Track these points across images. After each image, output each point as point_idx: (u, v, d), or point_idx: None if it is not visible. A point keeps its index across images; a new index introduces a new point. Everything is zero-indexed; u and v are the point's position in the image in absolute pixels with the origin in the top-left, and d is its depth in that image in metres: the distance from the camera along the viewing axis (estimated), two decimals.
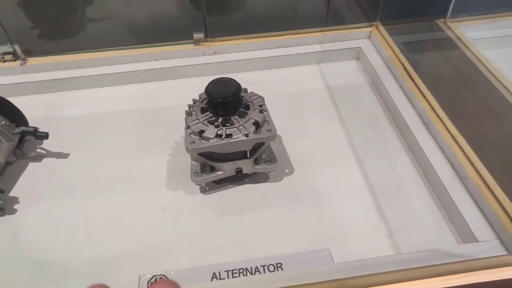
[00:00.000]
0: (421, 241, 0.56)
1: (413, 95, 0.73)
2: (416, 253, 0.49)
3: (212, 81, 0.60)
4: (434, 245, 0.53)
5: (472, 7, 0.89)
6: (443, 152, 0.63)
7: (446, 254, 0.48)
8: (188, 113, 0.62)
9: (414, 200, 0.61)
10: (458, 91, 0.77)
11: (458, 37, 0.83)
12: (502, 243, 0.51)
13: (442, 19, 0.87)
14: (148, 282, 0.52)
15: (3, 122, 0.66)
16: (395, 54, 0.84)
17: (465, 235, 0.54)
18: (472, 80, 0.77)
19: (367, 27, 0.93)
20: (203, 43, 0.89)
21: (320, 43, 0.91)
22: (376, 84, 0.83)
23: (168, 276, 0.53)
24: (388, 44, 0.87)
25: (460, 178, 0.59)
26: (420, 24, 0.92)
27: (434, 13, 0.89)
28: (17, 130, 0.67)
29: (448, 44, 0.84)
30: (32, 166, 0.71)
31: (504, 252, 0.49)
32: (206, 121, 0.60)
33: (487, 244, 0.50)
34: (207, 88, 0.59)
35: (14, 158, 0.70)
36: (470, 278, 0.44)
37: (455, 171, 0.60)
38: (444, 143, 0.63)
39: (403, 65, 0.80)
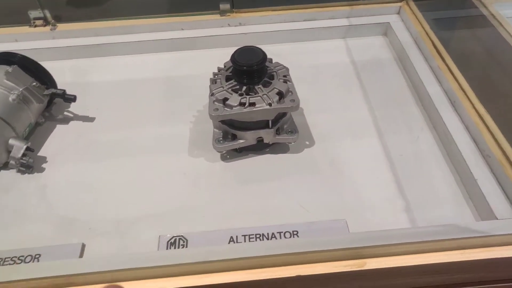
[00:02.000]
0: (439, 217, 0.55)
1: (441, 73, 0.72)
2: (433, 227, 0.49)
3: (238, 49, 0.60)
4: (452, 222, 0.53)
5: None
6: (468, 130, 0.62)
7: (464, 229, 0.47)
8: (213, 81, 0.63)
9: (434, 176, 0.61)
10: (490, 70, 0.75)
11: (492, 15, 0.80)
12: None
13: None
14: (167, 242, 0.54)
15: (34, 83, 0.68)
16: (425, 30, 0.81)
17: (484, 212, 0.53)
18: (506, 60, 0.75)
19: (396, 2, 0.90)
20: (229, 14, 0.89)
21: (348, 17, 0.89)
22: (403, 61, 0.81)
23: (187, 238, 0.54)
24: (418, 20, 0.85)
25: (483, 156, 0.58)
26: (453, 0, 0.88)
27: None
28: (46, 91, 0.69)
29: (481, 21, 0.81)
30: (59, 128, 0.73)
31: None
32: (230, 89, 0.60)
33: (506, 221, 0.49)
34: (232, 56, 0.60)
35: (43, 120, 0.73)
36: (488, 253, 0.44)
37: (479, 148, 0.59)
38: (470, 120, 0.62)
39: (432, 42, 0.78)
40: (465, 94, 0.66)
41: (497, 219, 0.50)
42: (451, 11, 0.89)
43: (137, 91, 0.80)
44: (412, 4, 0.88)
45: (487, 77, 0.73)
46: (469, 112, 0.62)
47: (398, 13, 0.90)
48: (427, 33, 0.80)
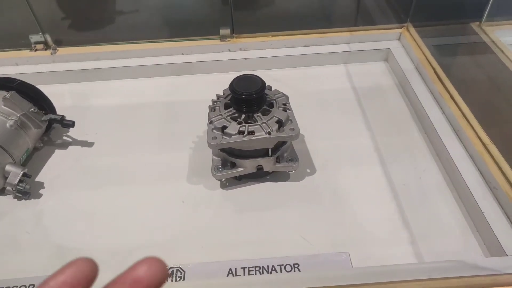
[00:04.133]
0: (446, 251, 0.54)
1: (442, 100, 0.71)
2: (439, 263, 0.47)
3: (236, 77, 0.60)
4: (459, 257, 0.52)
5: (510, 10, 0.85)
6: (473, 160, 0.61)
7: (472, 266, 0.46)
8: (212, 108, 0.62)
9: (440, 208, 0.59)
10: (491, 97, 0.74)
11: (493, 42, 0.80)
12: None
13: (477, 23, 0.84)
14: None
15: (32, 109, 0.67)
16: (426, 57, 0.81)
17: (493, 247, 0.51)
18: (507, 87, 0.74)
19: (397, 28, 0.90)
20: (229, 39, 0.89)
21: (348, 43, 0.89)
22: (404, 87, 0.81)
23: (184, 269, 0.53)
24: (419, 46, 0.85)
25: (490, 187, 0.57)
26: (454, 27, 0.88)
27: (468, 16, 0.85)
28: (45, 117, 0.69)
29: (482, 48, 0.81)
30: (58, 153, 0.72)
31: None
32: (229, 117, 0.59)
33: None
34: (231, 84, 0.59)
35: (42, 145, 0.72)
36: None
37: (485, 180, 0.58)
38: (474, 150, 0.61)
39: (433, 68, 0.78)
40: (469, 122, 0.65)
41: (507, 255, 0.48)
42: (452, 38, 0.89)
43: (137, 116, 0.79)
44: (412, 30, 0.89)
45: (490, 105, 0.72)
46: (473, 142, 0.61)
47: (399, 39, 0.90)
48: (428, 60, 0.80)
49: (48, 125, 0.72)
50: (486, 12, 0.83)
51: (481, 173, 0.59)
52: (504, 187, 0.54)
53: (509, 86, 0.74)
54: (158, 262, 0.18)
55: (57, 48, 0.89)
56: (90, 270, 0.18)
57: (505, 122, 0.67)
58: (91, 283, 0.18)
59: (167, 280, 0.18)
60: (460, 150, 0.63)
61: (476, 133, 0.63)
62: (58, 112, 0.74)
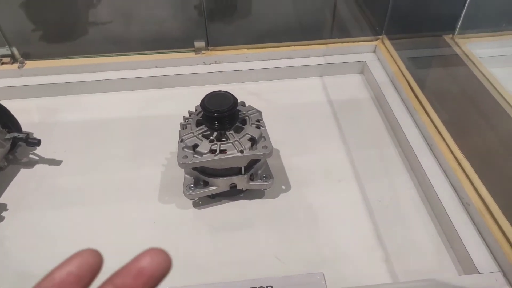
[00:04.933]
0: (420, 269, 0.53)
1: (416, 114, 0.71)
2: (413, 282, 0.46)
3: (207, 94, 0.58)
4: (433, 275, 0.51)
5: (481, 23, 0.86)
6: (446, 175, 0.61)
7: (445, 285, 0.45)
8: (183, 126, 0.61)
9: (414, 224, 0.59)
10: (464, 110, 0.74)
11: (465, 54, 0.81)
12: (505, 275, 0.48)
13: (450, 35, 0.85)
14: None
15: None
16: (400, 69, 0.82)
17: (466, 265, 0.51)
18: (479, 100, 0.75)
19: (372, 40, 0.91)
20: (204, 52, 0.88)
21: (324, 56, 0.89)
22: (380, 101, 0.81)
23: None
24: (394, 59, 0.85)
25: (463, 203, 0.57)
26: (427, 40, 0.89)
27: (442, 29, 0.86)
28: (8, 136, 0.66)
29: (455, 61, 0.82)
30: (23, 173, 0.69)
31: (506, 286, 0.47)
32: (200, 135, 0.58)
33: (488, 276, 0.47)
34: (202, 101, 0.58)
35: (6, 164, 0.69)
36: None
37: (458, 196, 0.58)
38: (447, 166, 0.61)
39: (407, 81, 0.78)
40: (442, 136, 0.65)
41: (479, 272, 0.48)
42: (426, 50, 0.89)
43: (108, 132, 0.77)
44: (387, 42, 0.89)
45: (462, 118, 0.73)
46: (446, 156, 0.61)
47: (374, 51, 0.90)
48: (402, 73, 0.80)
49: (13, 143, 0.69)
50: (459, 25, 0.84)
51: (454, 188, 0.59)
52: (477, 204, 0.54)
53: (479, 98, 0.74)
54: (161, 253, 0.18)
55: (25, 62, 0.86)
56: (95, 261, 0.18)
57: (477, 136, 0.68)
58: (96, 274, 0.18)
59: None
60: (434, 165, 0.63)
61: (449, 147, 0.63)
62: (26, 129, 0.71)
